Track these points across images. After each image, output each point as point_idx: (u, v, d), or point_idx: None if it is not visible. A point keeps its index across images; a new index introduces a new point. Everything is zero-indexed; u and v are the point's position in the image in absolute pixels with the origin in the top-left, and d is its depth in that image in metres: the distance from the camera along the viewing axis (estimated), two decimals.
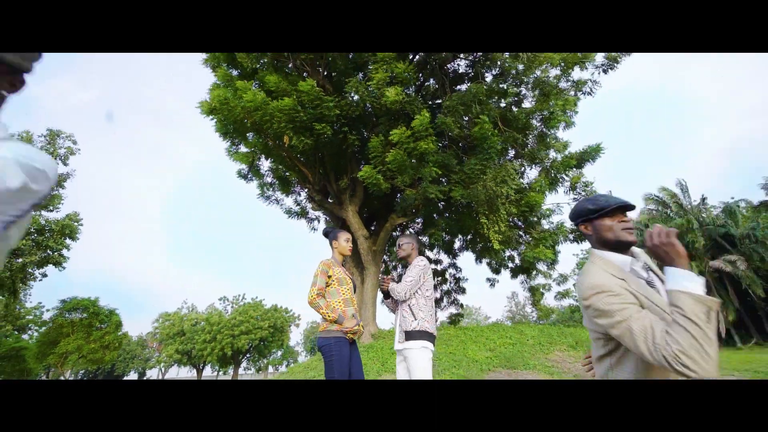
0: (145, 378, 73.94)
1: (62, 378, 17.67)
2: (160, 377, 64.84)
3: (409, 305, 2.70)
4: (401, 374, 2.72)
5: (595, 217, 1.34)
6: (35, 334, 31.17)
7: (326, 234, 3.03)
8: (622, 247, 1.29)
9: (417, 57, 10.42)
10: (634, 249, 1.34)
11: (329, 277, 2.72)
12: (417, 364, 2.55)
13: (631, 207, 1.35)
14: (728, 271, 25.91)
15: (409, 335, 2.62)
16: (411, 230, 13.20)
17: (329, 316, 2.57)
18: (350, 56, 9.12)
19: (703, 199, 29.73)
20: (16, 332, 40.12)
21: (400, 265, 14.68)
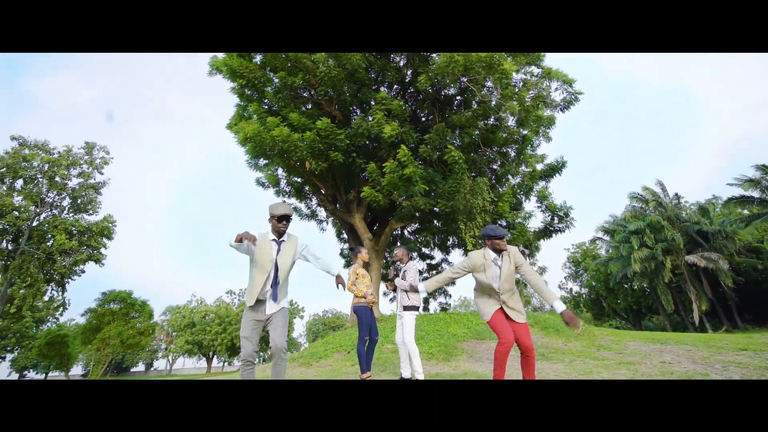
0: (152, 368, 76.34)
1: (105, 362, 20.06)
2: (168, 368, 67.41)
3: (405, 292, 4.93)
4: (398, 329, 4.99)
5: (489, 238, 3.52)
6: (53, 326, 33.54)
7: (351, 249, 5.41)
8: (497, 251, 3.46)
9: (411, 89, 12.60)
10: (509, 248, 3.51)
11: (357, 275, 5.08)
12: (407, 324, 4.81)
13: (503, 236, 3.47)
14: (702, 266, 28.12)
15: (405, 308, 4.90)
16: (402, 243, 15.56)
17: (359, 294, 5.01)
18: (357, 96, 11.33)
19: (678, 198, 31.78)
20: (35, 324, 42.61)
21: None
